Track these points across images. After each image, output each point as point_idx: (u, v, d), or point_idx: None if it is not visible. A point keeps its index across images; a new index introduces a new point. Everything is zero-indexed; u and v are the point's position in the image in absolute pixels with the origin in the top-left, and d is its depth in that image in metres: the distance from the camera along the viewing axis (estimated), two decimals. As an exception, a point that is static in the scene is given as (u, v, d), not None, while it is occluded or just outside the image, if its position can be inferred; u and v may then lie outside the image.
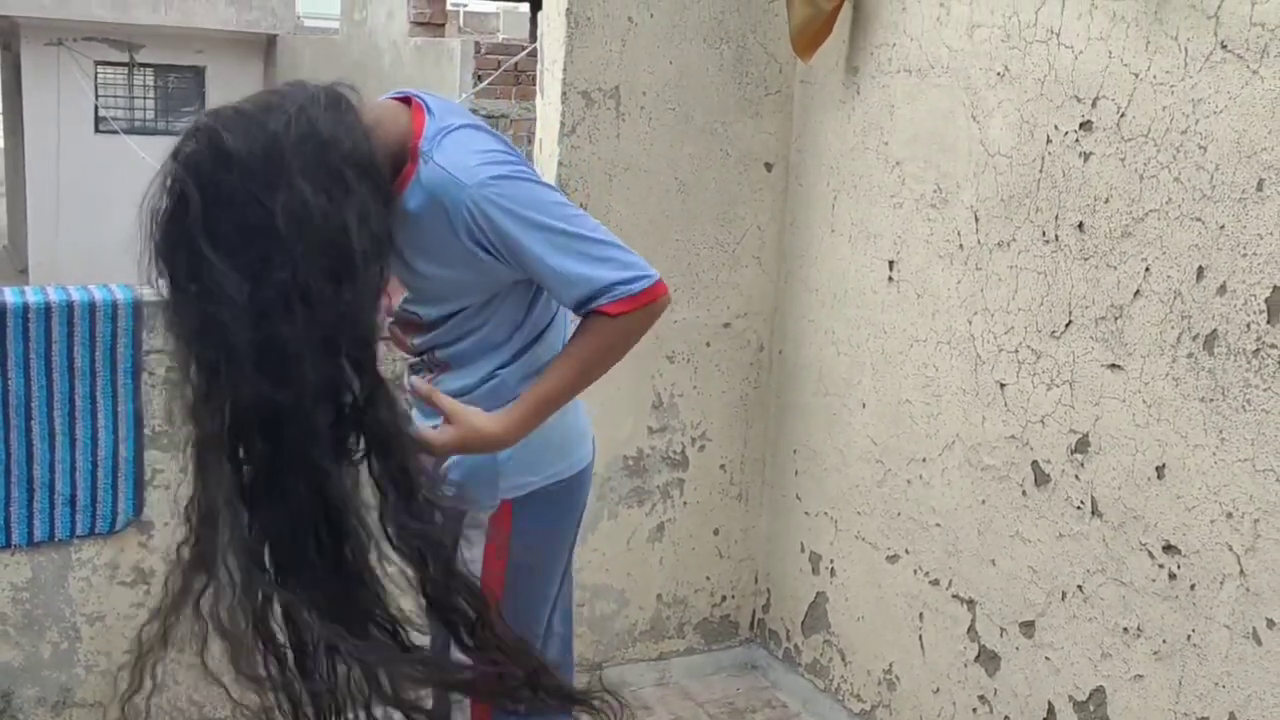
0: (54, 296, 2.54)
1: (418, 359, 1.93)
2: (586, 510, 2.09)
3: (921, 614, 2.83)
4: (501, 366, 1.87)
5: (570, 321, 1.90)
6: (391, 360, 2.28)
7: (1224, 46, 2.07)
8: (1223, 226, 2.09)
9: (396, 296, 1.87)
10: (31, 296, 2.52)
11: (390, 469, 1.66)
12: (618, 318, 1.71)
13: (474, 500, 1.88)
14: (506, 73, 9.59)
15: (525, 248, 1.69)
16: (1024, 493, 2.53)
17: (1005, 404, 2.57)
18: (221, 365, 1.54)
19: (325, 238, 1.54)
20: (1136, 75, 2.23)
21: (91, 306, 2.55)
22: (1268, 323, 2.02)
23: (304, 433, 1.57)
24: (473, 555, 1.89)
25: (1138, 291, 2.25)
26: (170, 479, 2.71)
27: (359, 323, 1.61)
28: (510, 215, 1.67)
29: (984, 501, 2.64)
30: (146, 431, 2.66)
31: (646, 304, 1.72)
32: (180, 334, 1.59)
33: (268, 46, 14.81)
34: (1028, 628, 2.53)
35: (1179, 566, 2.20)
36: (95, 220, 14.59)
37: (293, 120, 1.57)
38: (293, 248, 1.52)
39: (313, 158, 1.56)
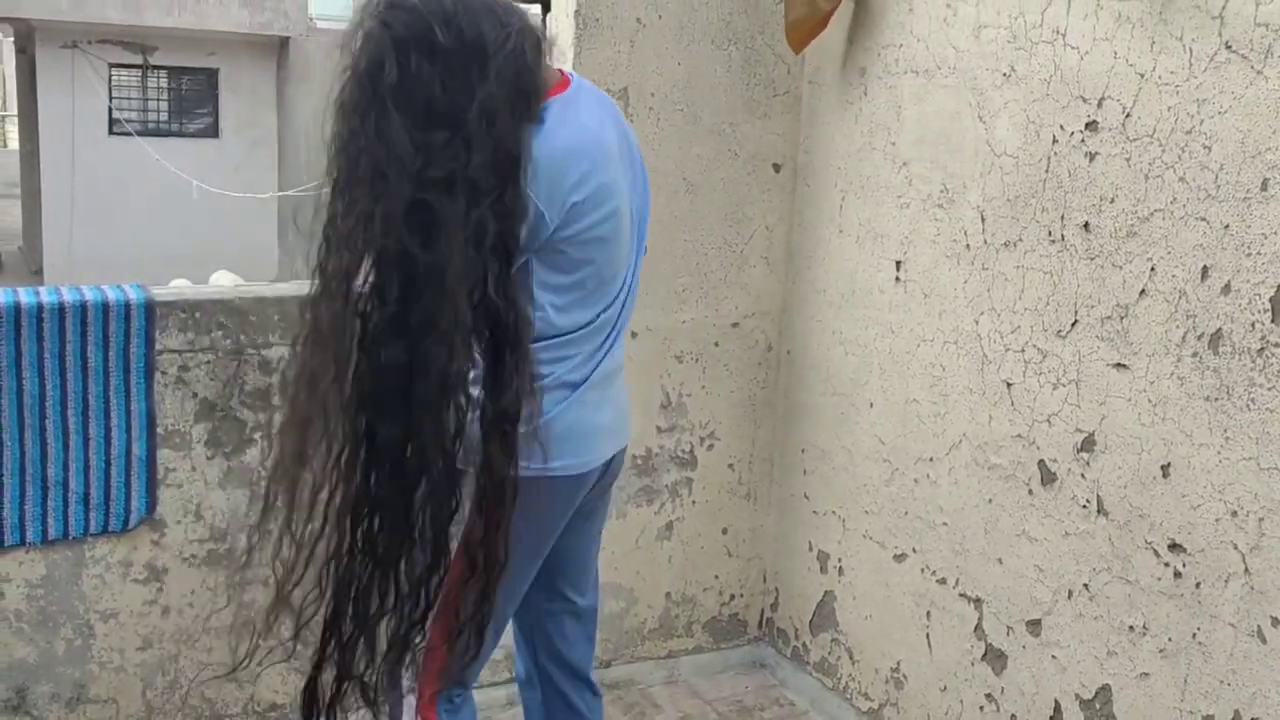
0: (68, 297, 2.56)
1: None
2: (555, 529, 2.07)
3: (929, 612, 2.84)
4: None
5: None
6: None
7: (1229, 47, 2.08)
8: (1227, 226, 2.10)
9: None
10: (46, 297, 2.55)
11: (514, 359, 1.77)
12: None
13: (468, 460, 1.86)
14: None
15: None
16: (1030, 492, 2.54)
17: (1012, 403, 2.58)
18: (377, 214, 1.67)
19: (504, 144, 1.70)
20: (1142, 75, 2.24)
21: (105, 306, 2.58)
22: (1272, 322, 2.03)
23: (436, 297, 1.67)
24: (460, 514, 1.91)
25: (1143, 291, 2.26)
26: (182, 477, 2.73)
27: (510, 219, 1.73)
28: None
29: (991, 500, 2.64)
30: (159, 431, 2.68)
31: None
32: (344, 178, 1.71)
33: (280, 48, 14.87)
34: (1034, 626, 2.54)
35: (1184, 565, 2.21)
36: (109, 221, 14.69)
37: (503, 35, 1.73)
38: (473, 139, 1.68)
39: (510, 73, 1.72)
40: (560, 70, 1.95)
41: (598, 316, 1.97)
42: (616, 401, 2.11)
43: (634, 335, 3.13)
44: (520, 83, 1.74)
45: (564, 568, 2.23)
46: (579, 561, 2.27)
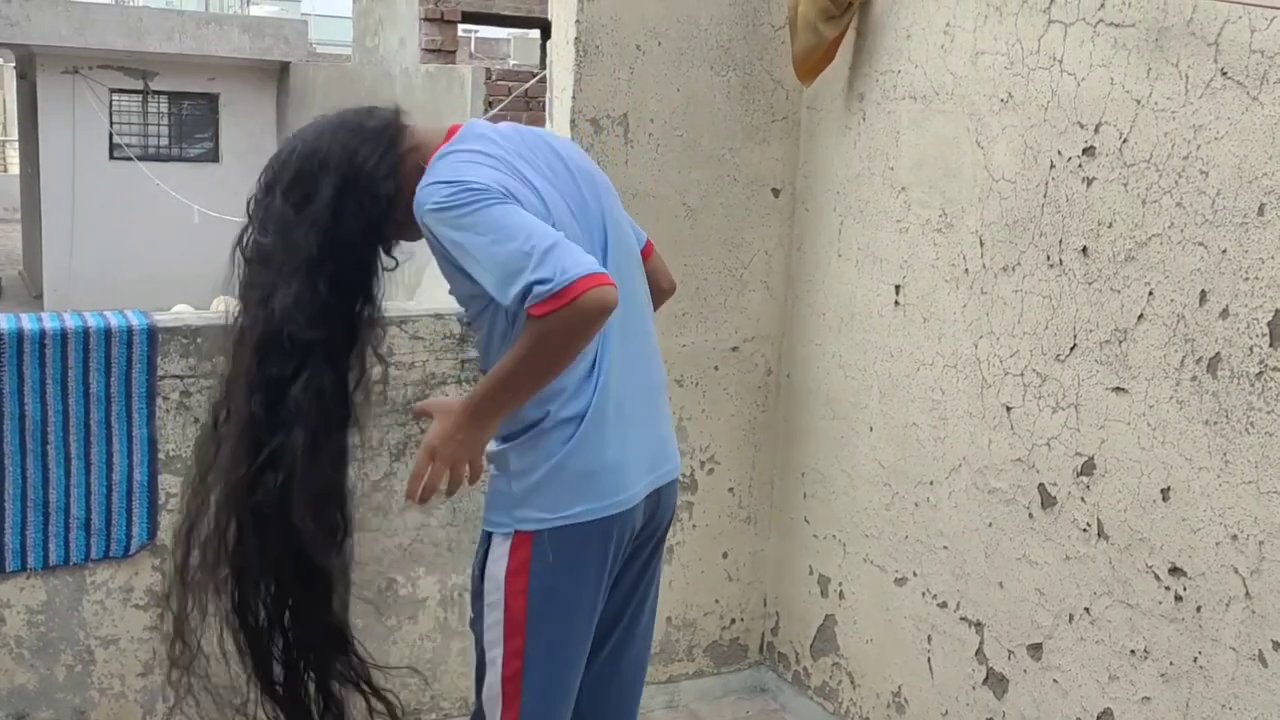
0: (70, 322, 2.57)
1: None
2: (609, 573, 2.00)
3: (930, 636, 2.84)
4: None
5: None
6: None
7: (1224, 73, 2.10)
8: (1225, 251, 2.11)
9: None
10: (48, 322, 2.56)
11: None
12: (541, 318, 1.71)
13: (493, 521, 1.96)
14: (517, 99, 9.66)
15: (467, 255, 1.78)
16: (1031, 515, 2.54)
17: (1011, 427, 2.58)
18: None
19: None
20: (1138, 101, 2.26)
21: (107, 332, 2.58)
22: (1270, 346, 2.04)
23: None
24: (495, 575, 1.93)
25: (1141, 315, 2.27)
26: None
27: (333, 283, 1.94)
28: (452, 228, 1.79)
29: (991, 524, 2.65)
30: (160, 456, 2.69)
31: (567, 302, 1.69)
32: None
33: (280, 74, 14.93)
34: (1036, 650, 2.54)
35: (1185, 589, 2.21)
36: (110, 246, 14.71)
37: (335, 141, 1.94)
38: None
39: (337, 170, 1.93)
40: (451, 126, 1.99)
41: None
42: (648, 430, 2.02)
43: (634, 359, 3.14)
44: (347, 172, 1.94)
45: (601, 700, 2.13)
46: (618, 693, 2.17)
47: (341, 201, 1.90)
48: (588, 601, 1.96)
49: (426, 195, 1.81)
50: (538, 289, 1.69)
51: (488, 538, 1.97)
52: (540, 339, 1.73)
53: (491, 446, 1.95)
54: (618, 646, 2.13)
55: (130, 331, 2.61)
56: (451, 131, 1.97)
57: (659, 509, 2.07)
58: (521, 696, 1.95)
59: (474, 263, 1.78)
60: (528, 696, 1.95)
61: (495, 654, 1.95)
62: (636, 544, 2.05)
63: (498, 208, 1.77)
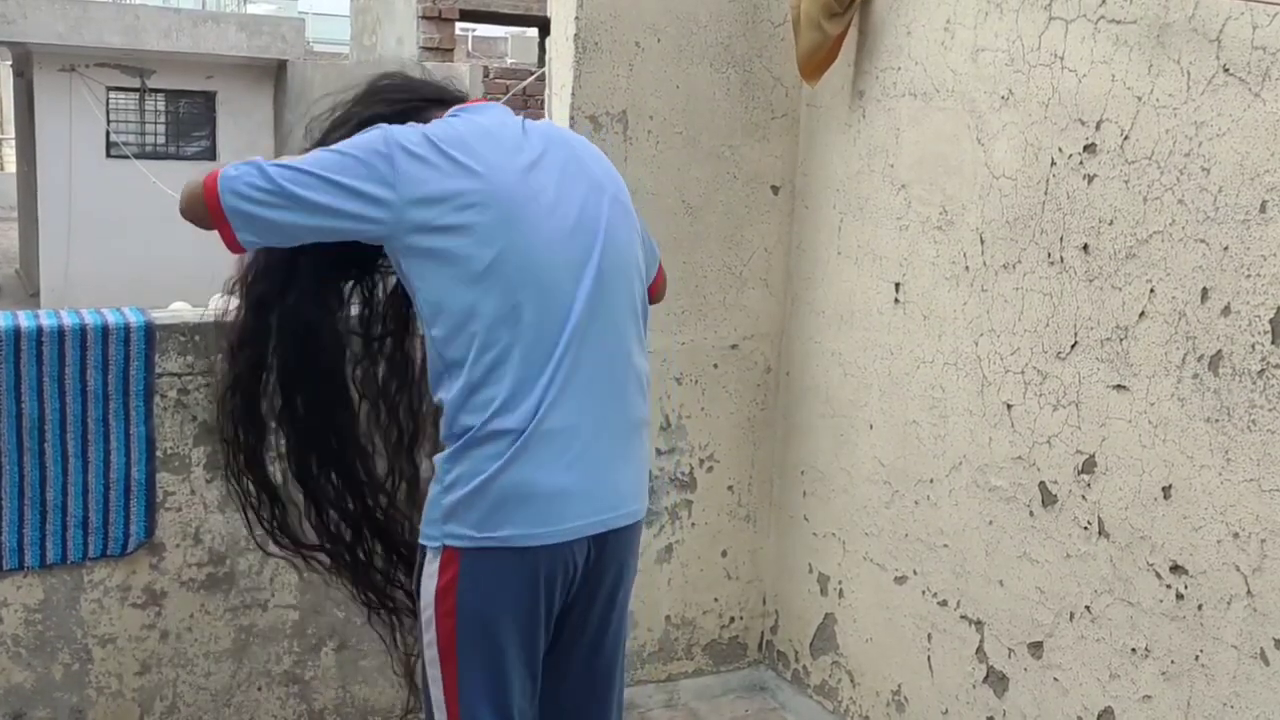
0: (67, 320, 2.56)
1: None
2: (549, 612, 1.89)
3: (930, 635, 2.84)
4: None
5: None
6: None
7: (1226, 70, 2.09)
8: (1226, 248, 2.10)
9: None
10: (45, 320, 2.55)
11: None
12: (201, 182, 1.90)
13: (425, 534, 1.89)
14: (515, 97, 9.65)
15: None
16: (1031, 513, 2.54)
17: (1012, 425, 2.58)
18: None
19: None
20: (1139, 98, 2.25)
21: (105, 330, 2.57)
22: (1272, 343, 2.03)
23: None
24: (426, 593, 1.86)
25: (1143, 313, 2.27)
26: (181, 501, 2.73)
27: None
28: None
29: (991, 522, 2.64)
30: (158, 454, 2.68)
31: (202, 187, 1.89)
32: None
33: (278, 72, 14.90)
34: (1036, 648, 2.54)
35: (1186, 587, 2.20)
36: (107, 244, 14.68)
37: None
38: None
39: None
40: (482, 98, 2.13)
41: (511, 346, 1.81)
42: (606, 466, 1.88)
43: (633, 357, 3.14)
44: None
45: None
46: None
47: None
48: (516, 634, 1.85)
49: None
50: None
51: (423, 551, 1.88)
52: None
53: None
54: (571, 697, 2.00)
55: (128, 329, 2.60)
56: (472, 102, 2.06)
57: (604, 554, 1.91)
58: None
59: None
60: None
61: (435, 674, 1.86)
62: (580, 590, 1.91)
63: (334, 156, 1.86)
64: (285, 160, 1.86)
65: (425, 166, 1.82)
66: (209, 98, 15.34)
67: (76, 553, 2.64)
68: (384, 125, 1.88)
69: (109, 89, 14.77)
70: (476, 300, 1.80)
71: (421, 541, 1.89)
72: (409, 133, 1.86)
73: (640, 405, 1.97)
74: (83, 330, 2.56)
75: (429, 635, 1.85)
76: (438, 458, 1.89)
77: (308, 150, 1.94)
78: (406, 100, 2.07)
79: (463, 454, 1.82)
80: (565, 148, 1.97)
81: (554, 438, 1.82)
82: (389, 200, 1.80)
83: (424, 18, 11.01)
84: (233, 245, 1.91)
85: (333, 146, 1.87)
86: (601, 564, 1.91)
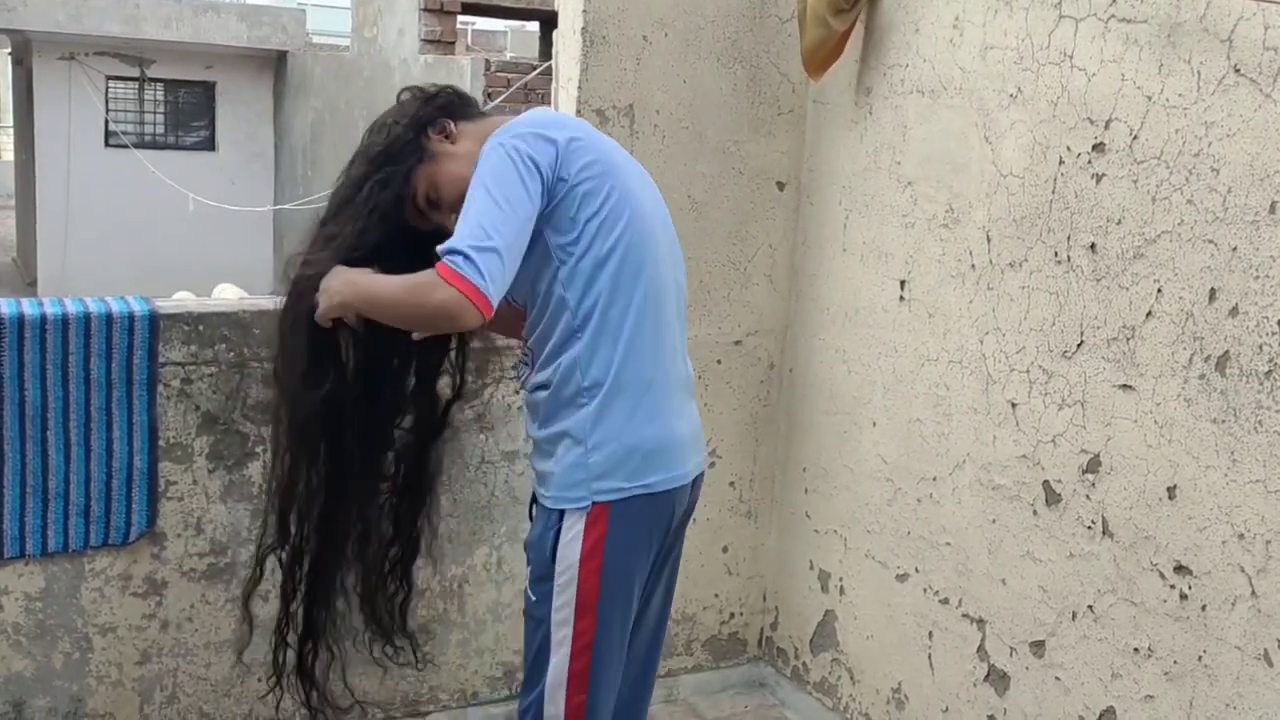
0: (71, 308, 2.55)
1: (524, 353, 2.13)
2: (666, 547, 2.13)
3: (931, 633, 2.84)
4: (559, 355, 2.00)
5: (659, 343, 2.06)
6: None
7: (1237, 70, 2.09)
8: (1235, 249, 2.10)
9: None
10: (49, 308, 2.54)
11: None
12: (434, 280, 1.85)
13: (566, 498, 2.00)
14: (517, 91, 9.64)
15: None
16: (1035, 512, 2.54)
17: (1016, 423, 2.57)
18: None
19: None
20: (1149, 98, 2.25)
21: (108, 318, 2.57)
22: (1280, 344, 2.03)
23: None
24: (569, 556, 1.98)
25: (1150, 312, 2.26)
26: (183, 490, 2.72)
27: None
28: (477, 171, 1.94)
29: (994, 521, 2.64)
30: (161, 443, 2.67)
31: (450, 285, 1.83)
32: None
33: (278, 63, 14.88)
34: (1038, 647, 2.54)
35: (1190, 587, 2.20)
36: (105, 233, 14.66)
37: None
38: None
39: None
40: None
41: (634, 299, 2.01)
42: (692, 416, 2.16)
43: (637, 352, 3.13)
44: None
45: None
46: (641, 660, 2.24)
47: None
48: (640, 582, 2.06)
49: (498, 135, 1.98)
50: (449, 257, 1.83)
51: (558, 516, 2.00)
52: (413, 292, 1.91)
53: (558, 426, 2.01)
54: (642, 637, 2.21)
55: (132, 317, 2.59)
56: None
57: (692, 496, 2.16)
58: (590, 678, 1.99)
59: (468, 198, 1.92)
60: (595, 677, 1.99)
61: (564, 634, 1.98)
62: (675, 532, 2.15)
63: (519, 169, 1.90)
64: (485, 234, 1.87)
65: (564, 147, 1.97)
66: (208, 88, 15.32)
67: (78, 541, 2.63)
68: (501, 144, 1.95)
69: (108, 78, 14.74)
70: (611, 254, 1.98)
71: (557, 506, 2.01)
72: (528, 128, 1.98)
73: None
74: (87, 318, 2.55)
75: (565, 596, 1.99)
76: (562, 424, 2.01)
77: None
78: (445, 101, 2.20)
79: (602, 411, 1.98)
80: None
81: (668, 388, 2.06)
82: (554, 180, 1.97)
83: (425, 10, 10.98)
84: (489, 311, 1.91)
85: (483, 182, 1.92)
86: (690, 506, 2.18)
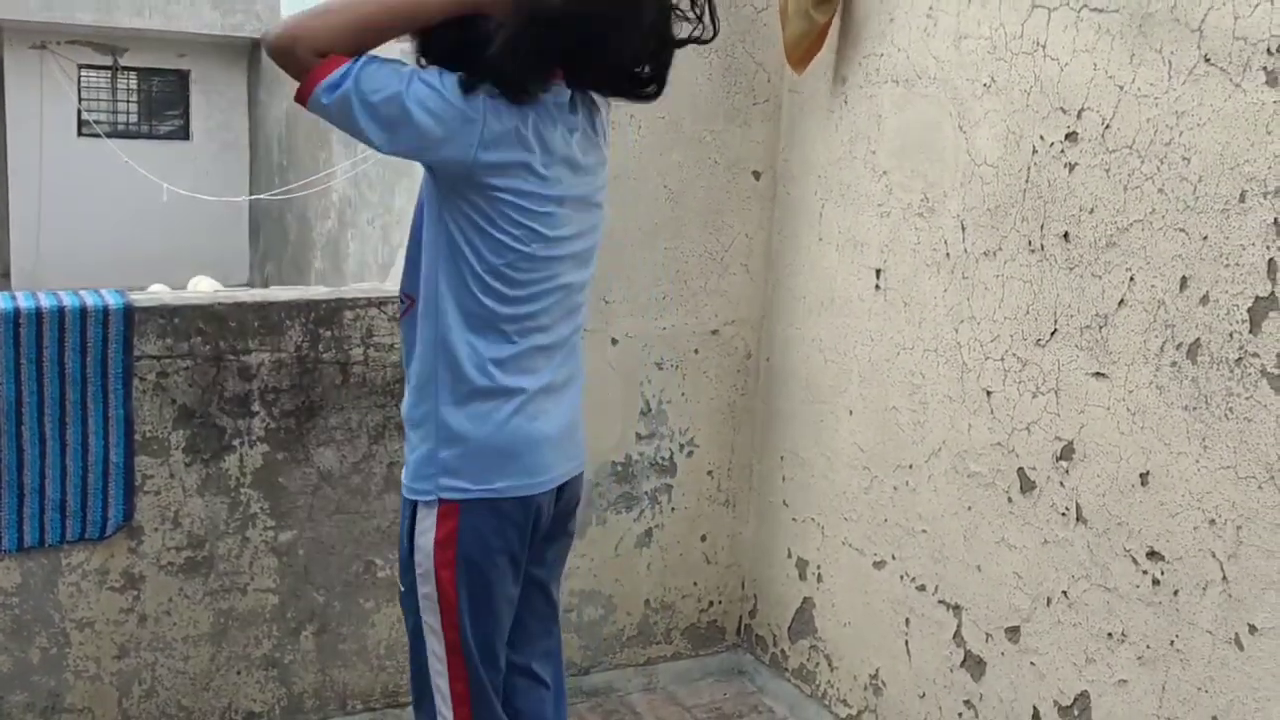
0: (45, 302, 2.54)
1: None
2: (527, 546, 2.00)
3: (908, 619, 2.86)
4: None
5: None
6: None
7: (1207, 60, 2.10)
8: (1206, 237, 2.12)
9: None
10: (22, 301, 2.53)
11: None
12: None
13: (415, 489, 1.92)
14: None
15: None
16: (1010, 499, 2.56)
17: (991, 411, 2.59)
18: None
19: None
20: (1121, 87, 2.26)
21: (83, 312, 2.55)
22: (1250, 332, 2.05)
23: None
24: (424, 547, 1.91)
25: (1122, 301, 2.28)
26: (160, 484, 2.71)
27: None
28: None
29: (970, 508, 2.66)
30: (137, 437, 2.66)
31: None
32: None
33: (252, 50, 14.78)
34: (1013, 633, 2.56)
35: (1162, 573, 2.23)
36: (78, 223, 14.56)
37: None
38: None
39: None
40: None
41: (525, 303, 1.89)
42: (569, 420, 2.02)
43: (614, 342, 3.14)
44: None
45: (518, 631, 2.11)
46: (530, 623, 2.14)
47: None
48: (505, 578, 1.95)
49: None
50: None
51: (412, 507, 1.93)
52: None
53: (417, 411, 1.93)
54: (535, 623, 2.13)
55: (106, 311, 2.58)
56: None
57: (565, 499, 2.06)
58: (466, 665, 1.93)
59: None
60: (470, 665, 1.94)
61: (434, 622, 1.92)
62: (548, 530, 2.05)
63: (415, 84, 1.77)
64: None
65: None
66: (182, 76, 15.21)
67: (54, 536, 2.62)
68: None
69: (80, 67, 14.63)
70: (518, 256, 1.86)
71: (409, 496, 1.93)
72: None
73: (581, 362, 2.09)
74: (60, 312, 2.54)
75: (426, 587, 1.91)
76: (425, 409, 1.91)
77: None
78: None
79: (461, 408, 1.88)
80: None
81: (545, 395, 1.93)
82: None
83: None
84: None
85: None
86: (566, 508, 2.09)
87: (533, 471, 1.93)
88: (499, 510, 1.90)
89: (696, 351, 3.26)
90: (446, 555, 1.89)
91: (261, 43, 1.78)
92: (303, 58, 1.74)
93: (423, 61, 1.85)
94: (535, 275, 1.87)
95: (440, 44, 1.83)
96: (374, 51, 1.79)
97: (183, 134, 15.34)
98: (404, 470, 1.96)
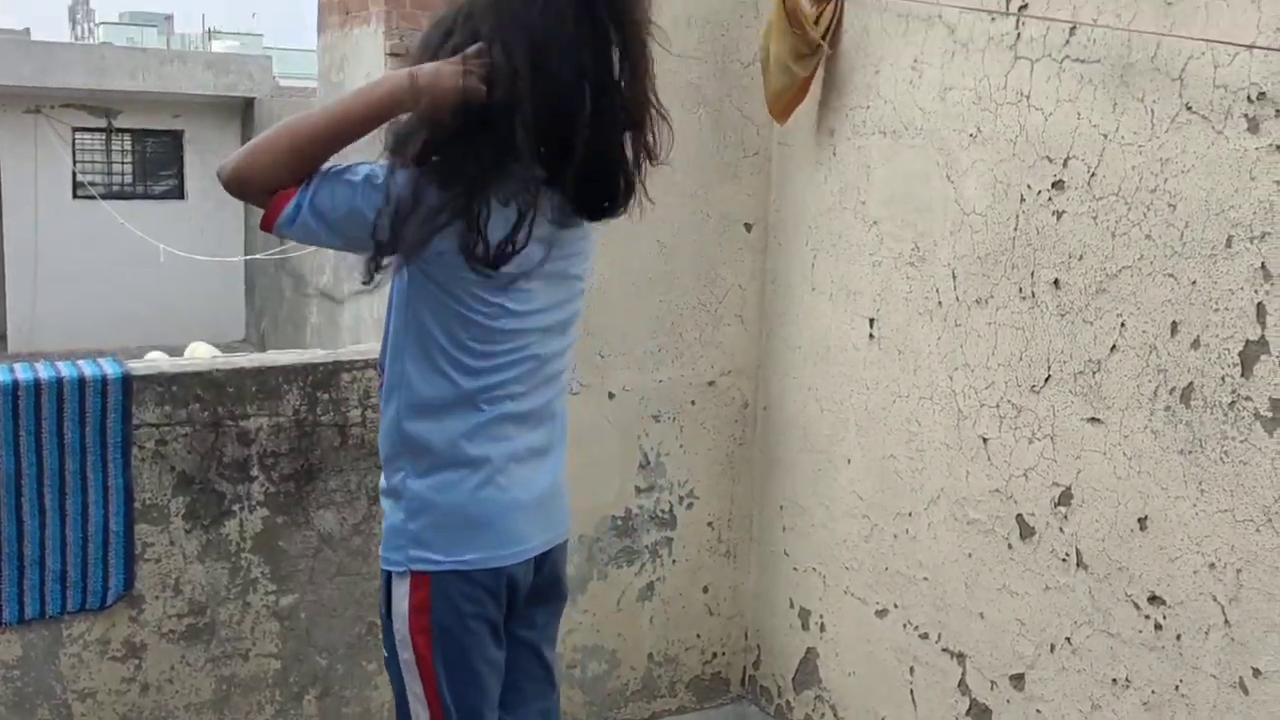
0: (43, 374, 2.55)
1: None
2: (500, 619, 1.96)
3: (912, 668, 2.85)
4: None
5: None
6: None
7: (1189, 108, 2.13)
8: (1194, 282, 2.14)
9: None
10: (21, 374, 2.54)
11: None
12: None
13: (389, 560, 1.91)
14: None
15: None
16: (1010, 546, 2.56)
17: (988, 458, 2.60)
18: None
19: None
20: (1105, 136, 2.29)
21: (81, 382, 2.56)
22: (1242, 376, 2.07)
23: None
24: (401, 612, 1.89)
25: (1114, 346, 2.30)
26: (160, 551, 2.71)
27: None
28: None
29: (970, 555, 2.66)
30: (136, 505, 2.66)
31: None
32: None
33: (245, 109, 14.89)
34: (1018, 680, 2.55)
35: (1165, 617, 2.23)
36: (74, 285, 14.59)
37: None
38: None
39: None
40: None
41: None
42: (546, 488, 1.98)
43: (611, 396, 3.15)
44: None
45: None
46: (524, 685, 2.09)
47: None
48: (486, 647, 1.93)
49: None
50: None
51: (387, 576, 1.92)
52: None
53: (385, 482, 1.94)
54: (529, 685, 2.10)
55: (105, 381, 2.59)
56: None
57: (547, 568, 2.02)
58: None
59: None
60: None
61: (416, 688, 1.90)
62: (530, 596, 2.01)
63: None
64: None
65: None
66: (176, 136, 15.31)
67: (55, 607, 2.61)
68: None
69: (75, 129, 14.72)
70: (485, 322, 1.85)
71: (384, 566, 1.93)
72: None
73: (564, 429, 2.05)
74: (59, 383, 2.55)
75: (405, 653, 1.90)
76: (395, 480, 1.91)
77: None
78: None
79: (429, 478, 1.87)
80: None
81: (518, 463, 1.90)
82: None
83: (391, 54, 11.03)
84: None
85: None
86: (549, 579, 2.04)
87: (505, 542, 1.90)
88: (471, 579, 1.88)
89: (693, 403, 3.28)
90: (421, 622, 1.88)
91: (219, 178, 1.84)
92: (255, 198, 1.80)
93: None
94: (502, 347, 1.85)
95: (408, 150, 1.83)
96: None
97: (177, 194, 15.41)
98: (381, 539, 1.96)
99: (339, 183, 1.79)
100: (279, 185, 1.78)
